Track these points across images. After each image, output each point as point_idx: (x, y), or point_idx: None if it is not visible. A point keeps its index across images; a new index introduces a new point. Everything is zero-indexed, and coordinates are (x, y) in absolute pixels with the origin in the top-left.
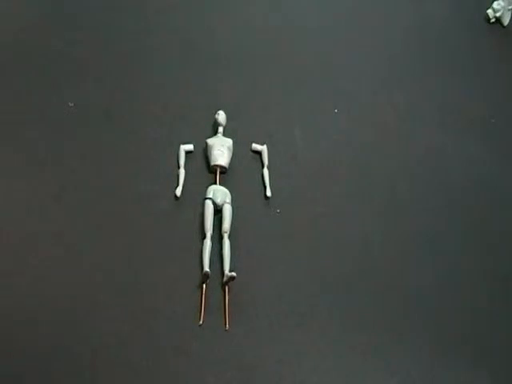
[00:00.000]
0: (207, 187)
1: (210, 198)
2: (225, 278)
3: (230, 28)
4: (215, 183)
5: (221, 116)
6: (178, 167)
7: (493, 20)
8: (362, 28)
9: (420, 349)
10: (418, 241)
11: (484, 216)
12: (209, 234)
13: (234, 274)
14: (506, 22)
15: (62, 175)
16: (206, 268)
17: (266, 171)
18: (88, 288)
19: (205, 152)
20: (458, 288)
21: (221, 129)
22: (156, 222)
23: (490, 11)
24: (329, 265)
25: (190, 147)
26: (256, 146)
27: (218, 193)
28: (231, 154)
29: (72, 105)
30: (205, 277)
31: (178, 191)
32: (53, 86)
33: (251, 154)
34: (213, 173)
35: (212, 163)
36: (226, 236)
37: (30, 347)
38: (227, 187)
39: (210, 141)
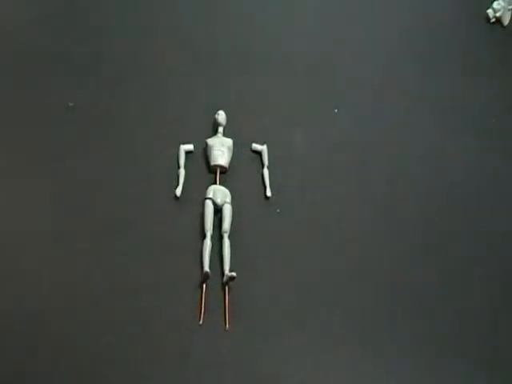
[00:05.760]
0: (207, 187)
1: (210, 198)
2: (225, 278)
3: (229, 28)
4: (215, 183)
5: (221, 116)
6: (178, 167)
7: (493, 20)
8: (361, 28)
9: (420, 349)
10: (418, 241)
11: (484, 216)
12: (209, 233)
13: (234, 273)
14: (506, 21)
15: (62, 175)
16: (206, 268)
17: (266, 171)
18: (87, 288)
19: (205, 152)
20: (458, 288)
21: (221, 129)
22: (156, 222)
23: (490, 11)
24: (329, 265)
25: (189, 147)
26: (256, 146)
27: (218, 193)
28: (231, 154)
29: (72, 105)
30: (205, 277)
31: (178, 191)
32: (53, 86)
33: (251, 153)
34: (213, 173)
35: (212, 163)
36: (225, 236)
37: (29, 347)
38: (227, 187)
39: (210, 141)
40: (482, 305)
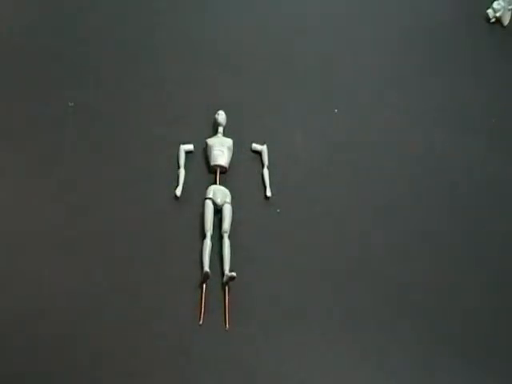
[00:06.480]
0: (207, 187)
1: (210, 198)
2: (225, 278)
3: (230, 28)
4: (215, 183)
5: (221, 116)
6: (178, 167)
7: (493, 20)
8: (361, 28)
9: (420, 349)
10: (418, 241)
11: (484, 216)
12: (209, 233)
13: (233, 273)
14: (506, 21)
15: (62, 175)
16: (206, 268)
17: (266, 171)
18: (88, 288)
19: (205, 152)
20: (459, 288)
21: (221, 129)
22: (156, 222)
23: (490, 11)
24: (328, 265)
25: (189, 147)
26: (256, 146)
27: (218, 193)
28: (231, 154)
29: (72, 105)
30: (205, 277)
31: (178, 191)
32: (53, 86)
33: (251, 153)
34: (213, 173)
35: (212, 163)
36: (225, 236)
37: (29, 347)
38: (227, 187)
39: (210, 141)
40: (482, 305)
